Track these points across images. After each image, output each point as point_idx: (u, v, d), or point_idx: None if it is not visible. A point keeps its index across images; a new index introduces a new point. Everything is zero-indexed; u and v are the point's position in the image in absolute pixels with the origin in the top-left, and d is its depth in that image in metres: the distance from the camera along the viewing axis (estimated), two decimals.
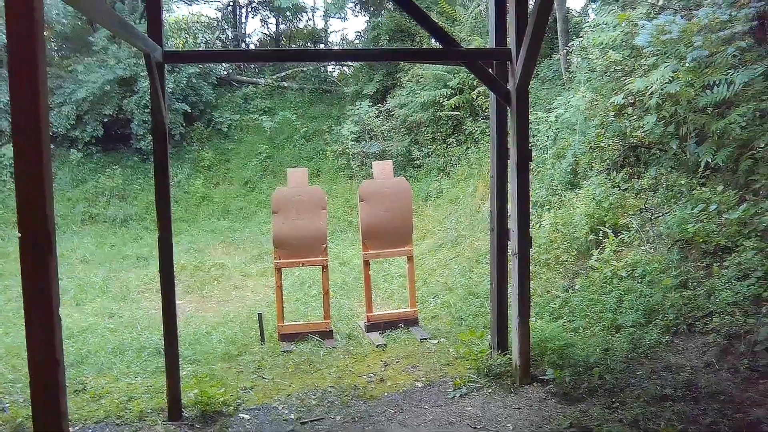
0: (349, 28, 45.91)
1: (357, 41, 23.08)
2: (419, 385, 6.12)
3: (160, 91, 5.65)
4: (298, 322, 7.96)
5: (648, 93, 8.31)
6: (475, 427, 5.21)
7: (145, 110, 16.46)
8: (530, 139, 10.90)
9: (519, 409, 5.45)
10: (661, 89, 8.04)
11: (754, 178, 6.95)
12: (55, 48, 19.43)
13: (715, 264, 6.57)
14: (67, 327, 8.24)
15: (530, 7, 5.75)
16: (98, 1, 4.49)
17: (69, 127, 17.01)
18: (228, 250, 12.98)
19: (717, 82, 7.56)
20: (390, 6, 20.49)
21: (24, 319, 3.01)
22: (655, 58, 8.53)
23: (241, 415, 5.71)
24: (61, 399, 3.16)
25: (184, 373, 6.47)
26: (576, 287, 7.75)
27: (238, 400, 5.96)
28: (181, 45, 19.53)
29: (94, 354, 7.36)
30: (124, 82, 17.40)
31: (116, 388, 6.29)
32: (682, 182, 7.78)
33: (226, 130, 18.93)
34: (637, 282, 7.03)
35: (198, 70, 18.52)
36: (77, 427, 5.56)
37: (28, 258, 2.97)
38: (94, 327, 8.36)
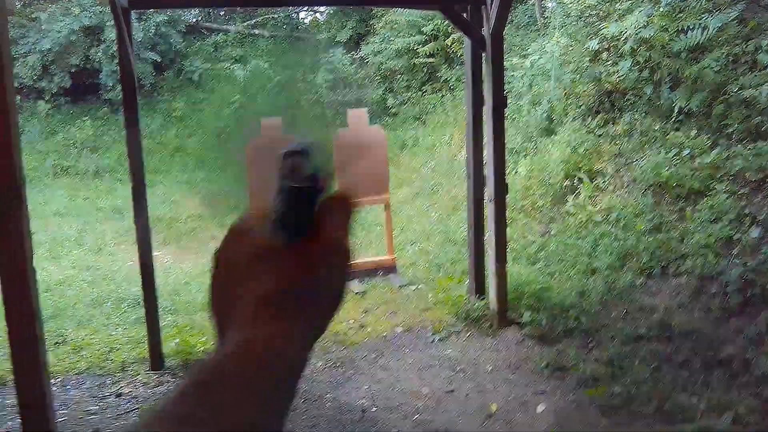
0: None
1: None
2: (399, 331, 6.20)
3: (128, 39, 5.50)
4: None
5: (623, 38, 8.28)
6: (454, 370, 5.31)
7: (114, 60, 16.00)
8: (506, 86, 10.90)
9: (497, 351, 5.57)
10: (636, 34, 8.02)
11: (727, 122, 7.01)
12: None
13: (688, 208, 6.67)
14: (44, 280, 8.12)
15: None
16: None
17: (35, 78, 16.53)
18: (204, 201, 12.88)
19: (691, 27, 7.56)
20: None
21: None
22: (629, 2, 8.48)
23: None
24: (40, 350, 3.15)
25: (165, 323, 6.47)
26: (552, 233, 7.85)
27: None
28: None
29: (73, 306, 7.32)
30: (90, 32, 16.88)
31: (97, 339, 6.29)
32: (657, 127, 7.82)
33: (197, 79, 18.56)
34: (612, 226, 7.13)
35: (166, 18, 18.04)
36: (58, 379, 5.57)
37: None
38: (71, 280, 8.30)
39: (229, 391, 0.52)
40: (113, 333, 6.49)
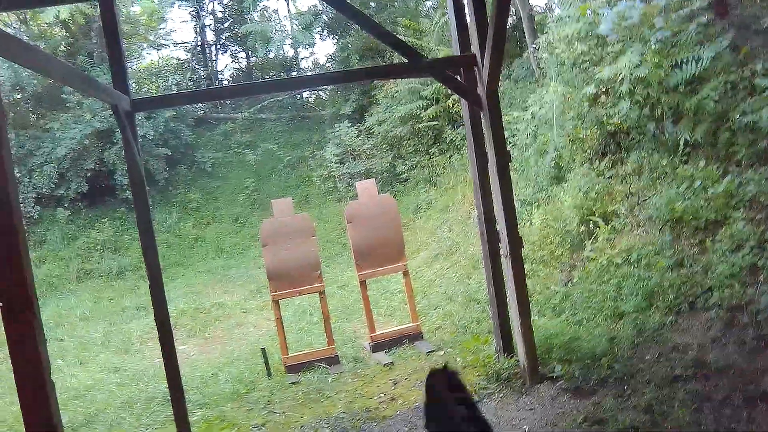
0: (319, 52, 46.18)
1: (329, 64, 23.16)
2: None
3: (132, 140, 5.66)
4: (302, 352, 7.91)
5: (618, 79, 8.34)
6: None
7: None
8: (510, 139, 11.00)
9: (532, 409, 5.42)
10: (631, 74, 8.07)
11: (734, 149, 6.97)
12: (30, 109, 19.41)
13: (707, 239, 6.57)
14: (73, 387, 8.18)
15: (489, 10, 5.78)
16: (55, 61, 4.50)
17: (53, 186, 16.93)
18: (226, 288, 12.92)
19: (685, 60, 7.60)
20: (357, 26, 20.60)
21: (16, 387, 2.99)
22: (620, 44, 8.57)
23: None
24: None
25: (195, 418, 6.43)
26: (574, 280, 7.74)
27: None
28: (153, 90, 19.59)
29: (103, 411, 7.30)
30: (102, 135, 17.36)
31: None
32: (665, 162, 7.79)
33: (210, 168, 18.94)
34: (634, 267, 7.03)
35: (174, 114, 18.55)
36: None
37: (10, 324, 2.94)
38: (99, 384, 8.30)
39: None
40: None
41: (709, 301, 5.96)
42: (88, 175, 17.27)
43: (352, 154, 16.93)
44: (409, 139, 15.80)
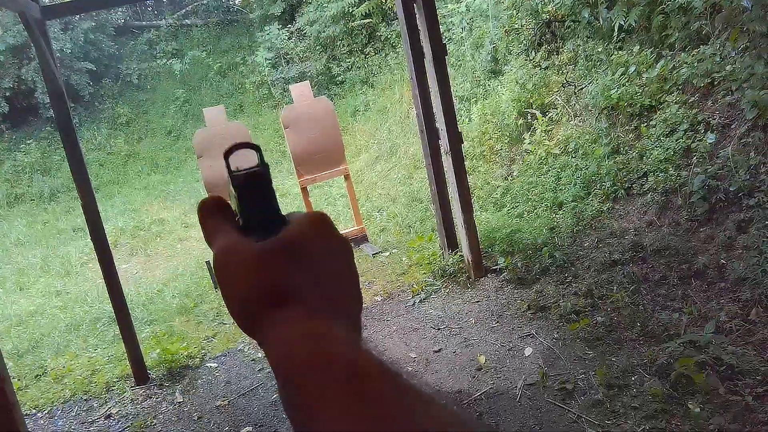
0: None
1: None
2: (378, 299, 6.16)
3: (47, 51, 5.28)
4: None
5: None
6: (438, 328, 5.28)
7: None
8: (446, 33, 10.76)
9: (478, 302, 5.55)
10: None
11: (667, 33, 6.96)
12: None
13: (642, 125, 6.65)
14: (15, 314, 8.00)
15: None
16: None
17: None
18: (165, 204, 12.62)
19: None
20: None
21: None
22: None
23: (208, 365, 5.68)
24: (7, 389, 3.04)
25: (143, 335, 6.38)
26: (514, 173, 7.81)
27: (203, 351, 5.93)
28: None
29: (48, 336, 7.17)
30: (18, 51, 16.30)
31: (77, 364, 6.17)
32: (600, 50, 7.76)
33: (136, 81, 18.11)
34: (572, 157, 7.11)
35: (94, 24, 17.49)
36: (45, 411, 5.46)
37: None
38: (42, 308, 8.12)
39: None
40: (93, 355, 6.37)
41: (645, 186, 6.09)
42: (7, 94, 16.32)
43: (284, 58, 16.38)
44: (342, 39, 15.32)
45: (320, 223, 0.61)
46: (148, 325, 6.84)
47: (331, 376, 0.47)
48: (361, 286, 0.64)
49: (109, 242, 5.93)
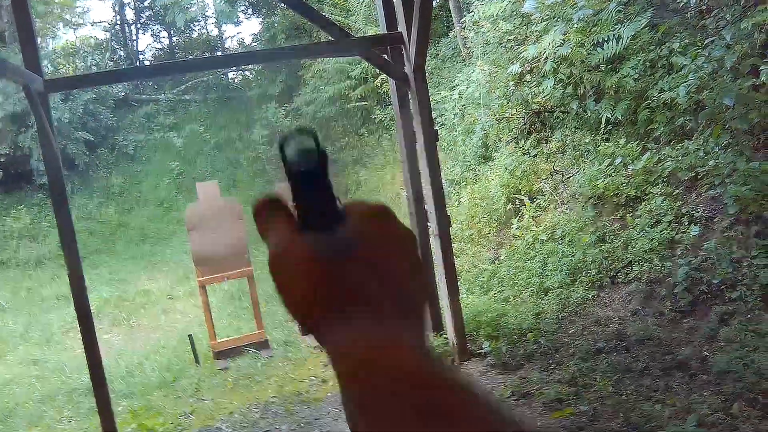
0: (245, 31, 45.32)
1: (255, 44, 22.68)
2: None
3: (47, 122, 5.39)
4: (231, 337, 7.75)
5: (543, 58, 8.46)
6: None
7: None
8: (438, 119, 11.03)
9: None
10: (554, 53, 8.20)
11: (652, 126, 7.18)
12: None
13: (628, 215, 6.76)
14: None
15: None
16: None
17: None
18: (152, 274, 12.55)
19: (606, 39, 7.77)
20: (282, 5, 20.23)
21: None
22: (544, 23, 8.69)
23: None
24: None
25: (120, 408, 6.23)
26: (501, 258, 7.86)
27: (179, 427, 5.78)
28: (71, 72, 18.77)
29: (22, 405, 7.00)
30: (17, 118, 16.53)
31: None
32: (587, 140, 7.97)
33: (132, 152, 18.30)
34: (558, 243, 7.18)
35: (94, 96, 17.82)
36: None
37: None
38: (19, 377, 7.95)
39: None
40: (66, 427, 6.21)
41: (630, 275, 6.15)
42: (2, 160, 16.44)
43: (280, 136, 16.66)
44: (337, 119, 15.66)
45: (382, 216, 0.59)
46: (126, 398, 6.68)
47: (395, 386, 0.46)
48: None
49: (92, 312, 5.87)
